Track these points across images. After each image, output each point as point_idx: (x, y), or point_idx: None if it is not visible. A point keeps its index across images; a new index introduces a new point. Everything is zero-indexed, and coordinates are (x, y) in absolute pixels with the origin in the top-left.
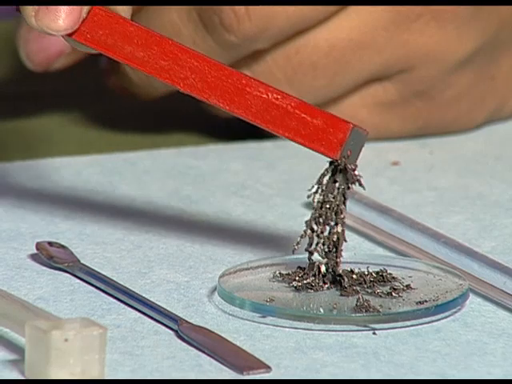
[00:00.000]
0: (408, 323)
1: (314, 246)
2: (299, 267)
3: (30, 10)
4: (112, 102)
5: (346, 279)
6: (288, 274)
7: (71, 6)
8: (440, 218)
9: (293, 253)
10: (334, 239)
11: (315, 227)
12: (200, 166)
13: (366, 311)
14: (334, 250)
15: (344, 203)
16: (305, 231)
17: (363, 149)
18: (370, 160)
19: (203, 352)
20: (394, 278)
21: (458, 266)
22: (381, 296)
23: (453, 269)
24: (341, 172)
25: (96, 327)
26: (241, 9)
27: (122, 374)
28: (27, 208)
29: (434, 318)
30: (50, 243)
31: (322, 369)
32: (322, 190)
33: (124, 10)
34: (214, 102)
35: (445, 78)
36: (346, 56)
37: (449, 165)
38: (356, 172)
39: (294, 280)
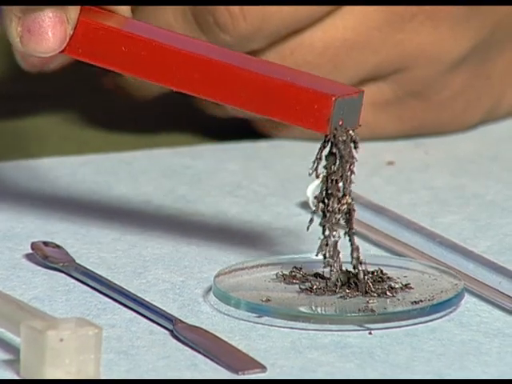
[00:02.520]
0: (403, 323)
1: (326, 219)
2: (295, 267)
3: (14, 36)
4: (108, 101)
5: (362, 275)
6: (290, 275)
7: (55, 25)
8: (435, 217)
9: (307, 229)
10: (345, 210)
11: (326, 201)
12: (196, 165)
13: (361, 311)
14: (346, 222)
15: (350, 172)
16: (316, 206)
17: (360, 147)
18: (366, 160)
19: (198, 352)
20: (389, 277)
21: (454, 266)
22: (376, 296)
23: (448, 268)
24: (337, 144)
25: (91, 327)
26: (235, 8)
27: (117, 373)
28: (22, 208)
29: (429, 317)
30: (46, 243)
31: (318, 368)
32: (325, 165)
33: (124, 11)
34: (205, 96)
35: (440, 78)
36: (341, 56)
37: (444, 165)
38: (353, 136)
39: (300, 282)
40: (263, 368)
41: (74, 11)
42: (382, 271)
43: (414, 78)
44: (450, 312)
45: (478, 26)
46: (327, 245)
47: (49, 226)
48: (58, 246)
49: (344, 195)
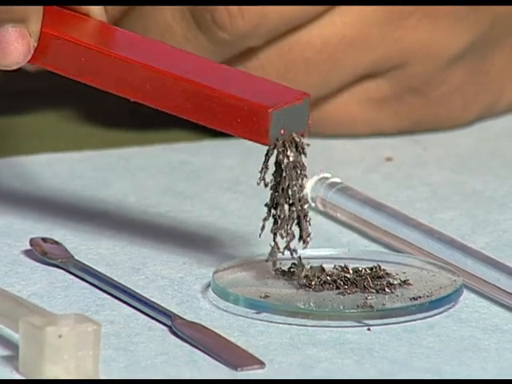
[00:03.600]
0: (402, 319)
1: (277, 226)
2: (294, 263)
3: None
4: (105, 98)
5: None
6: (289, 271)
7: (16, 39)
8: (434, 213)
9: (259, 236)
10: (295, 217)
11: (273, 210)
12: (194, 161)
13: (359, 307)
14: (299, 228)
15: (301, 179)
16: (267, 214)
17: (358, 143)
18: (364, 156)
19: (197, 348)
20: (388, 273)
21: (452, 262)
22: (375, 292)
23: (447, 265)
24: (280, 153)
25: (90, 323)
26: (234, 7)
27: (115, 369)
28: (21, 204)
29: (427, 313)
30: (44, 239)
31: (316, 365)
32: (273, 173)
33: (95, 13)
34: (158, 107)
35: (438, 74)
36: (339, 52)
37: (443, 161)
38: (298, 142)
39: (299, 278)
40: (262, 364)
41: (35, 24)
42: (380, 267)
43: (412, 75)
44: (449, 308)
45: (476, 22)
46: (278, 251)
47: (47, 222)
48: (56, 242)
49: (293, 203)
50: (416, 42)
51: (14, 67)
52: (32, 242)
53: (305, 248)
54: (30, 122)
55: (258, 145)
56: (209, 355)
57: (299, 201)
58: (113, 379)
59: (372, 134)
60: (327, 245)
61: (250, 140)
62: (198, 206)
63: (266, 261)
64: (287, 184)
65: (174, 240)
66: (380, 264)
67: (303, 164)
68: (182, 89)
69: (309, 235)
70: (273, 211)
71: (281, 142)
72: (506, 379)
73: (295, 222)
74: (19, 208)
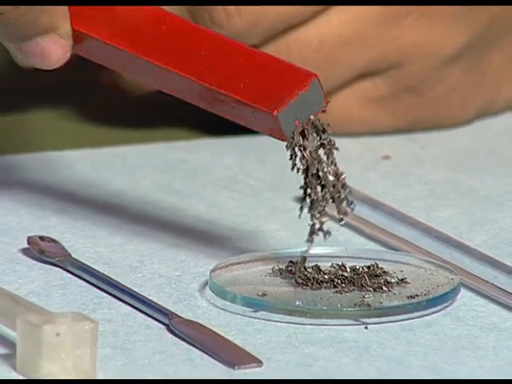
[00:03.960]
0: (399, 317)
1: (311, 207)
2: (291, 261)
3: (23, 61)
4: (104, 96)
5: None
6: (287, 270)
7: (49, 46)
8: (431, 212)
9: (299, 217)
10: (328, 198)
11: (308, 191)
12: (191, 160)
13: (357, 305)
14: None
15: (328, 156)
16: (303, 196)
17: (356, 142)
18: (361, 154)
19: (194, 346)
20: (385, 272)
21: (450, 260)
22: (372, 290)
23: (444, 263)
24: (304, 137)
25: (87, 321)
26: (231, 7)
27: (113, 368)
28: (19, 202)
29: (425, 312)
30: (42, 237)
31: (314, 363)
32: (300, 158)
33: None
34: (180, 97)
35: (435, 74)
36: (336, 51)
37: (440, 159)
38: (318, 125)
39: (295, 274)
40: (259, 362)
41: (63, 28)
42: (377, 266)
43: (409, 74)
44: (446, 306)
45: (473, 21)
46: (314, 233)
47: (45, 220)
48: (54, 241)
49: (324, 185)
50: (413, 42)
51: (56, 66)
52: (29, 240)
53: (342, 225)
54: (29, 120)
55: (255, 143)
56: (206, 353)
57: (335, 175)
58: (110, 378)
59: (369, 133)
60: (324, 243)
61: (270, 136)
62: (195, 204)
63: (306, 241)
64: (316, 168)
65: (172, 238)
66: (377, 262)
67: (330, 140)
68: (199, 90)
69: (351, 203)
70: (308, 191)
71: (297, 133)
72: (504, 378)
73: (329, 202)
74: (17, 206)
